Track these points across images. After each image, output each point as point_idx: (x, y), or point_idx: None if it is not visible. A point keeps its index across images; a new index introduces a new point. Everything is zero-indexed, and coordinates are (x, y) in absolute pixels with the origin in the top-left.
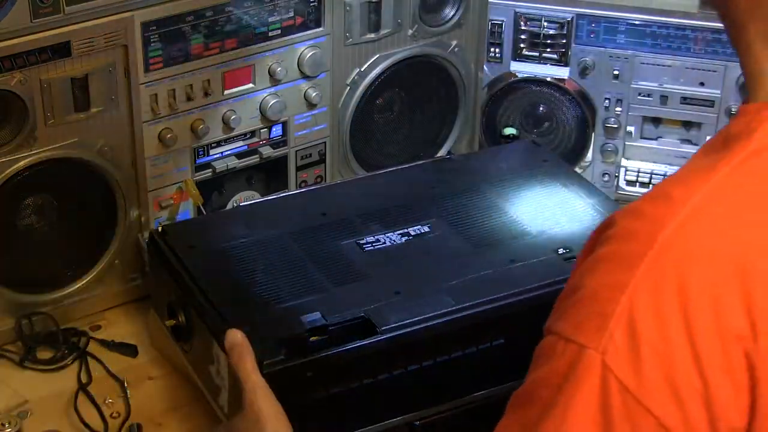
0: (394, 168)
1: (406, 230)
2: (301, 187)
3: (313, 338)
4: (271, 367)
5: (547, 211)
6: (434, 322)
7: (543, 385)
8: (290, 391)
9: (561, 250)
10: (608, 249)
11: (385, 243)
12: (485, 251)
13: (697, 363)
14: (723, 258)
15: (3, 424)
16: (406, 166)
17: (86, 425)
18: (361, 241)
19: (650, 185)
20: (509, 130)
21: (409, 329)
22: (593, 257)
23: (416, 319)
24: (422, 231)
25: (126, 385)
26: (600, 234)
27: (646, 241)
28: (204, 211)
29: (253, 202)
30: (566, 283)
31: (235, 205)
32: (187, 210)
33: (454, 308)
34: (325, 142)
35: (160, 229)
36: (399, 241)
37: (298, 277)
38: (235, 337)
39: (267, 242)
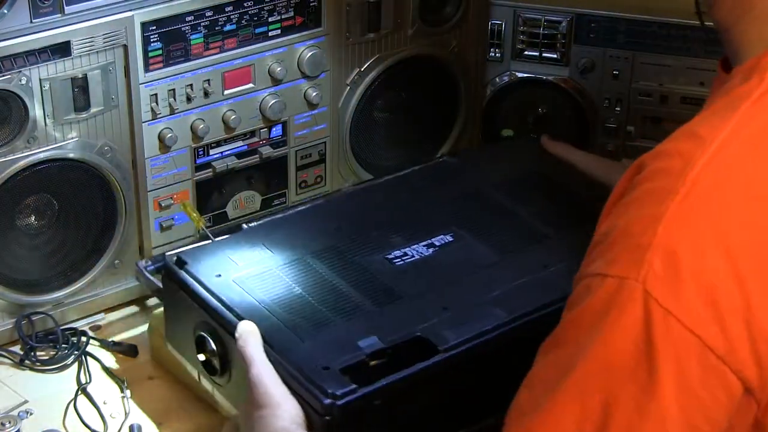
0: (393, 175)
1: (430, 241)
2: (300, 187)
3: (372, 363)
4: (344, 398)
5: (557, 208)
6: (492, 335)
7: (576, 325)
8: (361, 422)
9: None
10: (640, 189)
11: (413, 256)
12: (514, 258)
13: (738, 282)
14: (754, 183)
15: (3, 424)
16: (405, 172)
17: (86, 425)
18: (389, 256)
19: None
20: (507, 132)
21: (468, 345)
22: (625, 201)
23: (474, 334)
24: (446, 241)
25: (126, 385)
26: (630, 180)
27: (679, 176)
28: (209, 234)
29: (262, 222)
30: (594, 234)
31: (235, 204)
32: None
33: (508, 319)
34: (325, 142)
35: (175, 258)
36: (426, 253)
37: (336, 299)
38: (247, 325)
39: (293, 264)
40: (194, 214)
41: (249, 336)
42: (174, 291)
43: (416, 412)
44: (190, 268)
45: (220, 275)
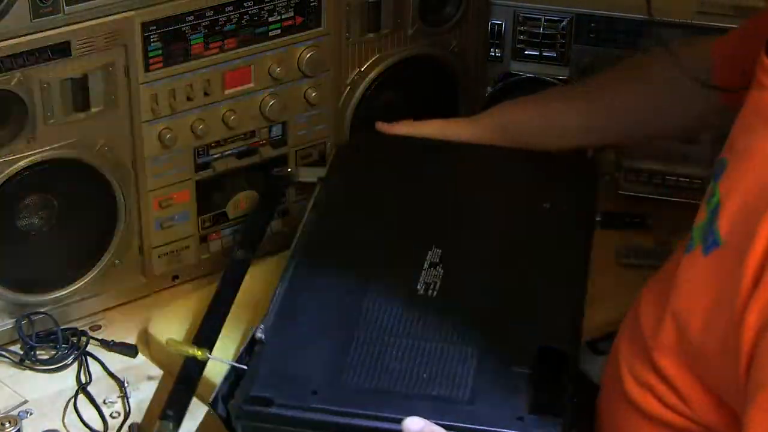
0: (306, 225)
1: (429, 261)
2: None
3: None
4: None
5: (469, 179)
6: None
7: None
8: None
9: (545, 205)
10: None
11: (435, 282)
12: (504, 241)
13: None
14: None
15: (3, 424)
16: (317, 215)
17: (86, 425)
18: (420, 293)
19: (650, 184)
20: None
21: (577, 330)
22: None
23: (576, 319)
24: (439, 254)
25: (126, 385)
26: None
27: None
28: (223, 361)
29: (268, 322)
30: (752, 263)
31: (235, 204)
32: (186, 210)
33: (576, 299)
34: (325, 142)
35: (252, 399)
36: (440, 273)
37: (432, 353)
38: (415, 421)
39: (356, 347)
40: (191, 350)
41: (434, 430)
42: None
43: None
44: (284, 402)
45: (315, 391)
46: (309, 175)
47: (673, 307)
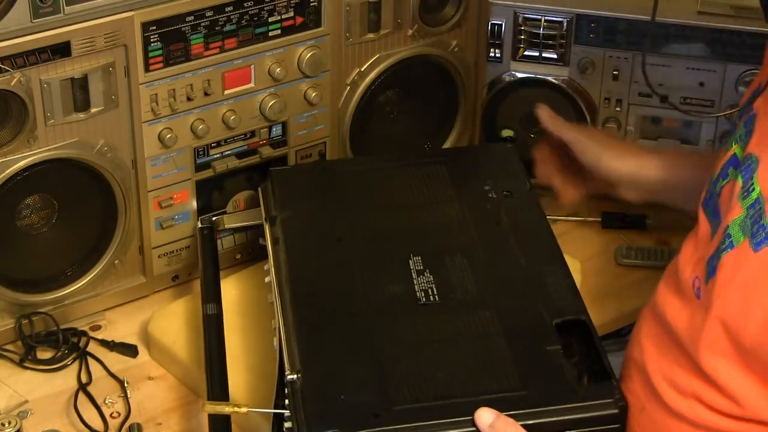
0: (279, 257)
1: (416, 270)
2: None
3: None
4: (623, 397)
5: (418, 185)
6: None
7: None
8: None
9: (491, 194)
10: None
11: (429, 287)
12: (471, 232)
13: None
14: None
15: (3, 424)
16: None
17: (86, 425)
18: (421, 302)
19: None
20: (507, 133)
21: (581, 298)
22: None
23: (574, 290)
24: (420, 260)
25: (126, 385)
26: None
27: None
28: (261, 411)
29: (299, 361)
30: None
31: (235, 204)
32: (186, 210)
33: (560, 262)
34: (325, 142)
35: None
36: (430, 278)
37: (465, 357)
38: (487, 412)
39: (387, 363)
40: (232, 408)
41: (508, 424)
42: None
43: None
44: None
45: (377, 414)
46: (234, 221)
47: (718, 312)
